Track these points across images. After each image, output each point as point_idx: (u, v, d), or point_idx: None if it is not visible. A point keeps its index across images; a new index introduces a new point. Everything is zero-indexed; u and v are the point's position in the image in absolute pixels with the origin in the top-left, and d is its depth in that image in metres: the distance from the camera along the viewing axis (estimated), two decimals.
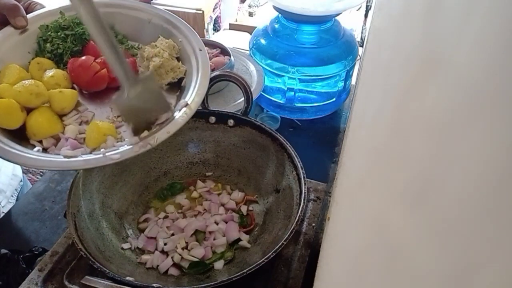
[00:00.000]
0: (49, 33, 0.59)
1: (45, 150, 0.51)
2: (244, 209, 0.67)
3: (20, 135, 0.51)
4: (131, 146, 0.51)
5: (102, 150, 0.50)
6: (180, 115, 0.53)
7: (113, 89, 0.59)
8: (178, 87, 0.60)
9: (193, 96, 0.55)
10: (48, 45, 0.58)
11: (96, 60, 0.57)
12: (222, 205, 0.68)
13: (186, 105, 0.54)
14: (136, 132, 0.52)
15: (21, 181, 0.89)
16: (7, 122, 0.50)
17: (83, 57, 0.56)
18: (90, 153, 0.50)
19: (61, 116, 0.55)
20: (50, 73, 0.55)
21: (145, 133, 0.52)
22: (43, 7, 0.61)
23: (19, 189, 0.88)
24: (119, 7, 0.64)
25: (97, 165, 0.49)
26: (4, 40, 0.56)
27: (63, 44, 0.58)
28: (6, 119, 0.49)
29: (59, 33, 0.58)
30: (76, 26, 0.60)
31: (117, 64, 0.48)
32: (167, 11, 0.65)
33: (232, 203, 0.68)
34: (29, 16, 0.58)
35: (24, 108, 0.51)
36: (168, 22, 0.63)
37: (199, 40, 0.62)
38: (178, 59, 0.62)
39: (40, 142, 0.52)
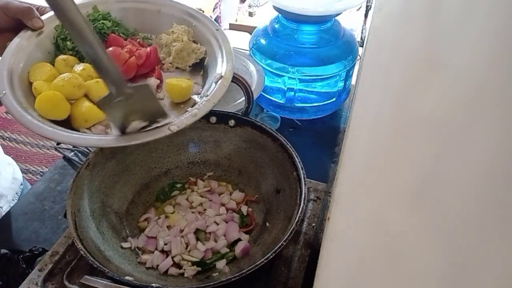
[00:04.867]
0: (67, 31, 0.59)
1: None
2: (244, 209, 0.67)
3: (66, 128, 0.51)
4: (179, 119, 0.51)
5: (165, 125, 0.51)
6: (219, 86, 0.55)
7: (142, 77, 0.60)
8: (201, 67, 0.63)
9: (224, 67, 0.57)
10: (68, 43, 0.59)
11: (124, 50, 0.58)
12: (223, 205, 0.68)
13: (221, 77, 0.56)
14: (122, 129, 0.50)
15: (21, 184, 0.89)
16: (56, 113, 0.51)
17: (111, 48, 0.58)
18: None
19: None
20: (80, 67, 0.56)
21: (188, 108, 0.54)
22: None
23: (19, 192, 0.88)
24: (128, 2, 0.65)
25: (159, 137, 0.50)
26: (25, 42, 0.56)
27: None
28: (55, 110, 0.51)
29: None
30: (93, 22, 0.61)
31: (102, 66, 0.46)
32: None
33: (232, 203, 0.68)
34: (42, 17, 0.58)
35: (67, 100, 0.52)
36: (179, 10, 0.65)
37: (213, 22, 0.64)
38: (194, 42, 0.64)
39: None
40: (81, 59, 0.59)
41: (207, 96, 0.54)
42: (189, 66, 0.63)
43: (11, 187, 0.85)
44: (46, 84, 0.53)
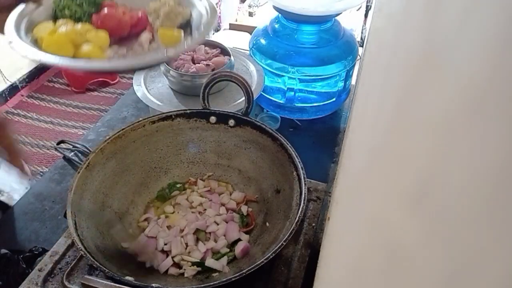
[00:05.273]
0: (64, 2, 0.63)
1: None
2: (244, 209, 0.67)
3: None
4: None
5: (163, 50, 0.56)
6: (206, 25, 0.59)
7: (135, 34, 0.64)
8: (188, 26, 0.66)
9: (209, 14, 0.61)
10: (66, 11, 0.63)
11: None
12: (223, 205, 0.68)
13: (207, 19, 0.60)
14: None
15: (30, 179, 0.91)
16: (62, 52, 0.56)
17: (105, 8, 0.63)
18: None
19: None
20: (78, 25, 0.61)
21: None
22: None
23: (29, 187, 0.90)
24: None
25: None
26: (29, 12, 0.60)
27: (80, 9, 0.63)
28: (61, 50, 0.56)
29: (73, 1, 0.64)
30: None
31: None
32: None
33: (232, 203, 0.68)
34: None
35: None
36: None
37: None
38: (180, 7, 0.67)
39: None
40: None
41: (197, 33, 0.59)
42: (177, 27, 0.65)
43: (21, 181, 0.87)
44: (50, 35, 0.57)
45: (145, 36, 0.62)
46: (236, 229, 0.64)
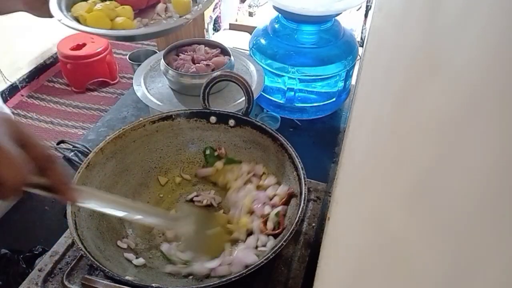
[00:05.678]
0: None
1: None
2: (283, 209, 0.61)
3: None
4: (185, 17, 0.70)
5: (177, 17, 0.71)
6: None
7: (150, 7, 0.77)
8: (194, 1, 0.77)
9: None
10: None
11: None
12: (269, 199, 0.62)
13: None
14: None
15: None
16: (102, 26, 0.68)
17: None
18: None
19: None
20: (107, 2, 0.73)
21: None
22: None
23: None
24: None
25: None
26: None
27: None
28: (101, 23, 0.68)
29: None
30: None
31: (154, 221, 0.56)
32: None
33: (275, 200, 0.62)
34: None
35: None
36: None
37: None
38: None
39: None
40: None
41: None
42: None
43: None
44: (88, 13, 0.69)
45: (160, 7, 0.75)
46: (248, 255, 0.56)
